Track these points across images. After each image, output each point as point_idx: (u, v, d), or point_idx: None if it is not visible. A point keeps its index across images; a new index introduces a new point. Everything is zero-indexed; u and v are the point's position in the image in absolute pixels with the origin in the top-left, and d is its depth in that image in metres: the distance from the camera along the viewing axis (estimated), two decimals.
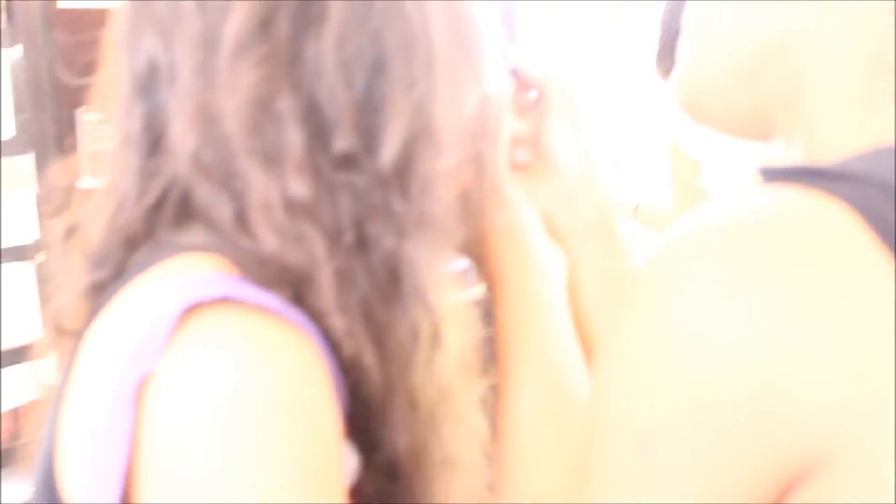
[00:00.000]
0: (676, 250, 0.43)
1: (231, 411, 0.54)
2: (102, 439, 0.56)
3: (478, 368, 0.70)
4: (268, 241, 0.60)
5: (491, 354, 0.72)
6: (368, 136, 0.61)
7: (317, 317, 0.60)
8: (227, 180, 0.62)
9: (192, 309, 0.56)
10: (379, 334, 0.62)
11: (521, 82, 0.81)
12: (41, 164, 1.78)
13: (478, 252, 0.75)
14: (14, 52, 1.86)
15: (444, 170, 0.63)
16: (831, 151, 0.50)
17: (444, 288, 0.65)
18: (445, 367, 0.65)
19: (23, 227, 1.79)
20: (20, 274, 1.80)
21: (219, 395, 0.54)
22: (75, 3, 1.81)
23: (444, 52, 0.64)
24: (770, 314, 0.40)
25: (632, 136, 3.26)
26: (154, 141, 0.65)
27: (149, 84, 0.65)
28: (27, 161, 1.79)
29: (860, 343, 0.39)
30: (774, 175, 0.45)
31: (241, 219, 0.61)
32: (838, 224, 0.41)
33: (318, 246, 0.60)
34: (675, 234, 0.44)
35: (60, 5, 1.81)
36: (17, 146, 1.80)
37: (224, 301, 0.56)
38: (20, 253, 1.80)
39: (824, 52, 0.50)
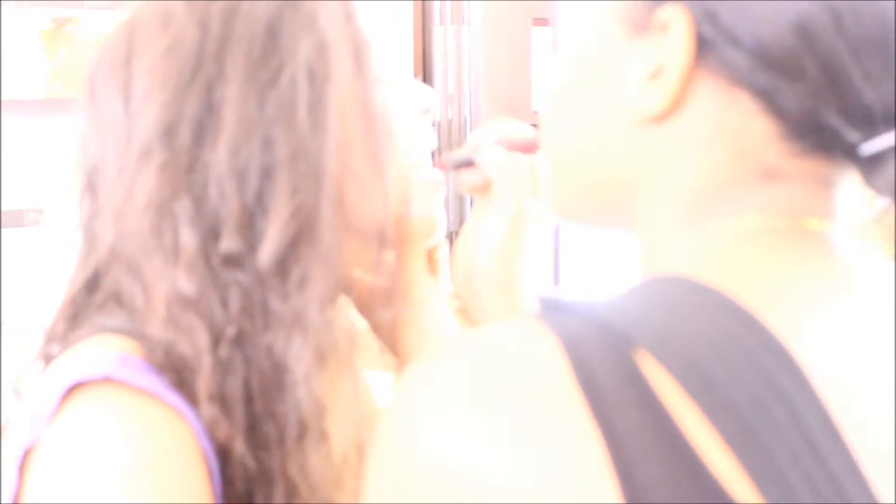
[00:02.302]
0: (416, 374, 0.45)
1: (94, 486, 0.60)
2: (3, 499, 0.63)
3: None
4: (158, 329, 0.66)
5: None
6: (253, 237, 0.67)
7: (194, 402, 0.65)
8: (137, 272, 0.68)
9: (77, 387, 0.63)
10: (254, 424, 0.66)
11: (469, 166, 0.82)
12: None
13: (391, 344, 0.78)
14: None
15: (324, 271, 0.67)
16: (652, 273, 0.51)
17: (326, 381, 0.68)
18: (329, 457, 0.69)
19: None
20: None
21: (85, 469, 0.60)
22: None
23: (336, 161, 0.68)
24: (467, 446, 0.41)
25: None
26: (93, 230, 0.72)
27: (93, 180, 0.72)
28: None
29: (538, 481, 0.40)
30: (543, 304, 0.47)
31: (146, 307, 0.68)
32: (541, 362, 0.42)
33: (201, 337, 0.66)
34: (423, 363, 0.46)
35: None
36: None
37: (105, 381, 0.63)
38: None
39: (654, 180, 0.52)
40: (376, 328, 0.79)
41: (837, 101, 0.46)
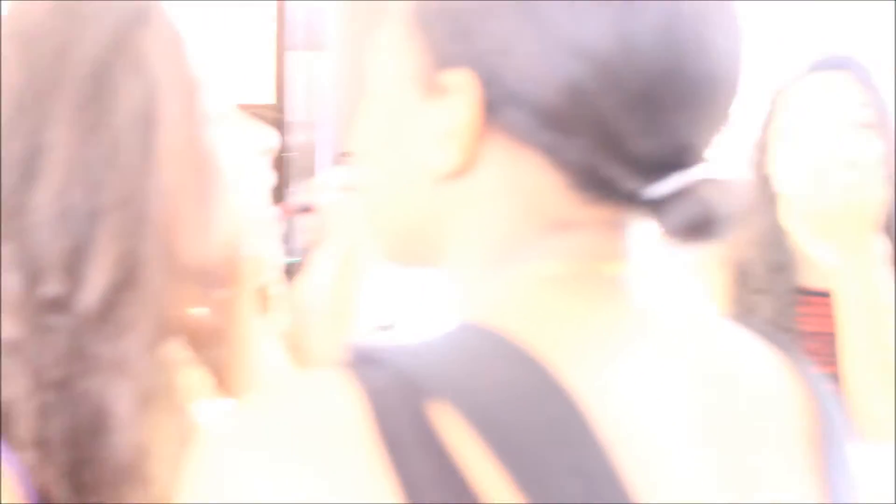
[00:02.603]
0: (223, 423, 0.46)
1: None
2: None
3: None
4: None
5: None
6: (78, 281, 0.66)
7: (16, 446, 0.64)
8: None
9: None
10: (76, 468, 0.66)
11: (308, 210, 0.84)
12: None
13: (220, 381, 0.79)
14: None
15: (149, 314, 0.67)
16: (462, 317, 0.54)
17: (151, 423, 0.68)
18: (154, 501, 0.69)
19: None
20: None
21: None
22: None
23: (164, 204, 0.68)
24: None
25: None
26: None
27: None
28: None
29: None
30: (352, 353, 0.49)
31: None
32: (341, 415, 0.44)
33: (23, 382, 0.65)
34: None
35: None
36: None
37: None
38: None
39: (456, 230, 0.55)
40: (206, 365, 0.80)
41: (614, 153, 0.49)
